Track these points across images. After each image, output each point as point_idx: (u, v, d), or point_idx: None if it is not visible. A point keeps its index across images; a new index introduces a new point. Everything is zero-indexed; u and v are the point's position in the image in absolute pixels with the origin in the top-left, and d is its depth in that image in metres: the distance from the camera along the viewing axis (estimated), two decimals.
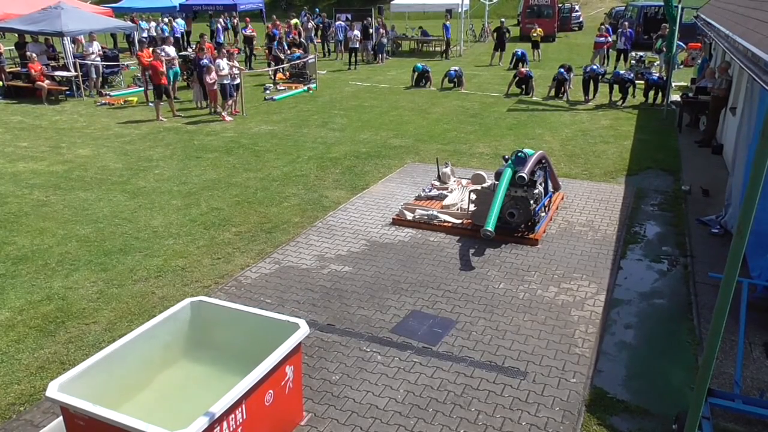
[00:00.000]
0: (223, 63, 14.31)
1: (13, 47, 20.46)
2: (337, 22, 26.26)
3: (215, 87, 14.76)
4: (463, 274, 6.85)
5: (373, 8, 29.29)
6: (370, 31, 24.34)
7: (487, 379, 5.04)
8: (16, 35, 20.27)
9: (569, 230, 7.97)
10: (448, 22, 24.90)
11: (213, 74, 14.67)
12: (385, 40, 25.30)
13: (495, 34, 23.79)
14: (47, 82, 17.05)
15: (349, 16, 27.34)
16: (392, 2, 28.77)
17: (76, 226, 8.28)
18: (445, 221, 8.02)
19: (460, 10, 26.18)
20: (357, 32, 23.24)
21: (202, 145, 12.42)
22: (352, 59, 23.16)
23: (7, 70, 19.11)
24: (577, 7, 36.79)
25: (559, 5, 32.90)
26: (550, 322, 5.86)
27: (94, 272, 6.99)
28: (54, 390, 3.75)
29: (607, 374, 5.12)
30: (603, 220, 8.26)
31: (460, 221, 8.04)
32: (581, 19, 36.18)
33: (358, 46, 23.22)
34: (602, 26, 21.69)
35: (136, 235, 8.01)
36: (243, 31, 24.53)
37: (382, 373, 5.12)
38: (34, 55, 17.13)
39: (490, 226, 7.20)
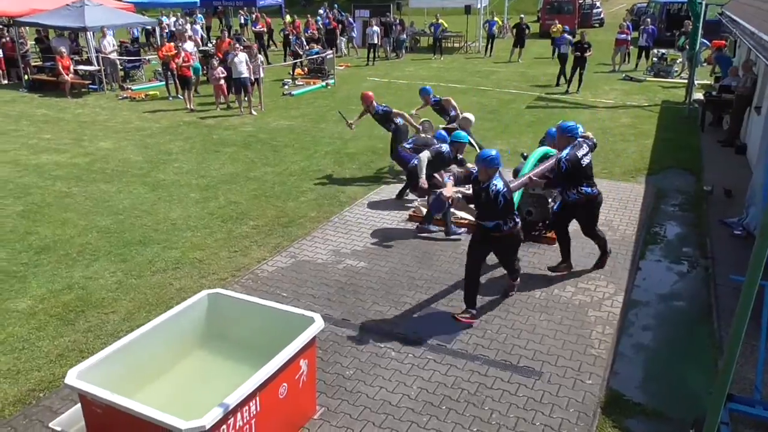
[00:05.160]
0: (242, 57, 14.38)
1: (34, 42, 20.73)
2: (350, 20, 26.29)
3: (222, 82, 14.91)
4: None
5: (392, 4, 29.16)
6: (395, 27, 24.27)
7: (502, 378, 5.01)
8: (35, 30, 20.53)
9: None
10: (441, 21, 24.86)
11: (219, 69, 14.82)
12: (404, 36, 25.24)
13: (514, 31, 23.62)
14: (71, 75, 17.25)
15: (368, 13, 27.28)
16: None
17: (96, 218, 8.39)
18: (461, 218, 7.99)
19: (479, 6, 26.02)
20: (376, 28, 23.20)
21: (220, 139, 12.50)
22: (371, 55, 23.13)
23: (32, 64, 19.42)
24: (598, 3, 36.32)
25: (580, 1, 32.54)
26: (566, 322, 5.82)
27: (113, 263, 7.08)
28: (73, 377, 3.81)
29: (623, 376, 5.07)
30: (622, 220, 8.17)
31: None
32: (602, 16, 35.74)
33: (377, 41, 23.18)
34: (623, 23, 21.40)
35: (155, 227, 8.09)
36: (252, 27, 24.62)
37: (395, 370, 5.12)
38: (62, 49, 17.33)
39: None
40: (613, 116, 14.16)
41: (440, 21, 24.70)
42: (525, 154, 7.95)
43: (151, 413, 3.51)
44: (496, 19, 25.46)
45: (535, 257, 7.16)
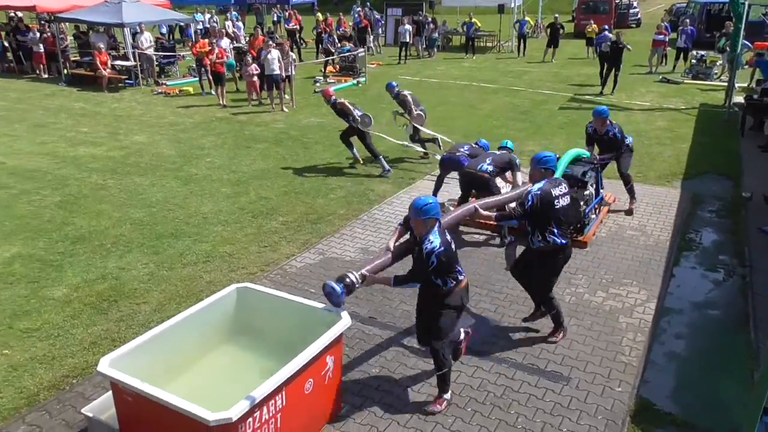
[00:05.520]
0: (275, 54, 14.50)
1: (73, 37, 21.21)
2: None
3: (254, 78, 15.09)
4: (508, 274, 6.74)
5: (424, 3, 29.07)
6: (427, 25, 24.19)
7: (529, 382, 4.96)
8: (75, 26, 21.01)
9: (620, 234, 7.76)
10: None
11: (252, 65, 15.00)
12: (436, 35, 25.15)
13: (548, 30, 23.35)
14: (108, 70, 17.61)
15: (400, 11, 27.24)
16: None
17: (130, 210, 8.54)
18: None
19: (512, 5, 25.78)
20: (408, 26, 23.15)
21: (252, 135, 12.62)
22: (402, 53, 23.09)
23: (71, 58, 19.88)
24: (635, 3, 35.63)
25: (617, 1, 31.99)
26: (596, 327, 5.73)
27: (146, 255, 7.20)
28: (105, 365, 3.89)
29: (654, 385, 4.97)
30: (656, 225, 8.01)
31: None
32: (639, 16, 35.06)
33: (408, 40, 23.13)
34: (661, 23, 20.97)
35: (186, 220, 8.20)
36: (285, 24, 24.77)
37: (421, 369, 5.10)
38: (101, 45, 17.70)
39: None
40: (648, 119, 13.89)
41: (473, 20, 24.52)
42: (557, 156, 7.83)
43: (180, 403, 3.56)
44: (527, 18, 25.16)
45: None
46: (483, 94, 17.12)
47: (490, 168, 7.52)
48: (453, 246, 4.46)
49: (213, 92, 16.33)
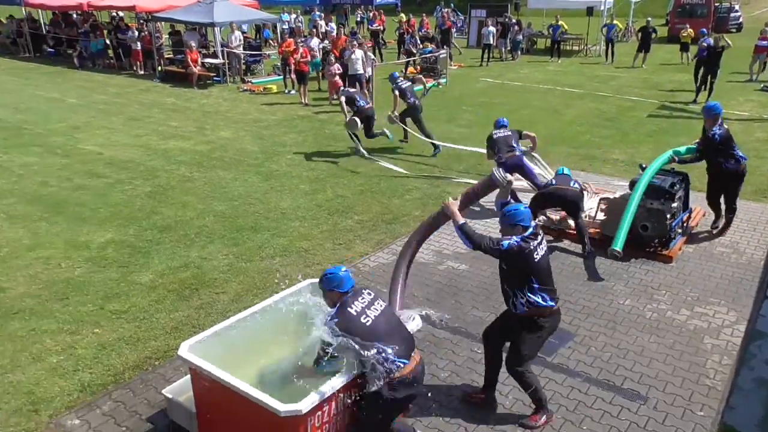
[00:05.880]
0: (359, 54, 14.70)
1: (168, 35, 22.31)
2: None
3: (336, 78, 15.34)
4: (585, 285, 6.55)
5: (509, 4, 28.61)
6: (512, 27, 23.84)
7: (603, 398, 4.78)
8: (170, 25, 22.09)
9: (709, 250, 7.35)
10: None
11: (336, 65, 15.27)
12: (520, 37, 24.69)
13: (639, 34, 22.39)
14: (198, 68, 18.40)
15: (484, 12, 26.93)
16: None
17: (213, 202, 8.89)
18: (571, 228, 7.70)
19: (602, 7, 24.92)
20: (492, 28, 22.86)
21: (332, 134, 12.83)
22: (485, 56, 22.83)
23: (165, 56, 20.92)
24: (736, 7, 33.60)
25: (716, 4, 30.30)
26: (678, 347, 5.45)
27: (226, 246, 7.47)
28: (185, 350, 4.07)
29: (740, 412, 4.68)
30: (750, 243, 7.53)
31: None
32: (741, 20, 33.04)
33: (492, 42, 22.83)
34: (765, 28, 19.68)
35: (266, 215, 8.45)
36: (370, 25, 25.00)
37: None
38: (192, 43, 18.54)
39: (617, 245, 6.79)
40: (746, 130, 13.06)
41: (560, 22, 23.87)
42: (644, 166, 7.52)
43: (253, 392, 3.67)
44: (616, 22, 24.16)
45: (648, 275, 6.76)
46: (567, 98, 16.66)
47: (577, 186, 7.46)
48: (530, 253, 4.29)
49: (295, 91, 16.75)
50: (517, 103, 16.05)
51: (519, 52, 24.59)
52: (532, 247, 4.30)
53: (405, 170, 10.31)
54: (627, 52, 23.79)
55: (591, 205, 8.25)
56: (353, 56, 14.69)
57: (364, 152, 11.18)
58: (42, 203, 8.81)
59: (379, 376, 3.64)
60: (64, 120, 13.89)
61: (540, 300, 4.33)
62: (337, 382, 3.76)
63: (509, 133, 8.64)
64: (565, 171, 7.75)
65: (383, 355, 3.65)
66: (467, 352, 5.37)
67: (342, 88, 11.94)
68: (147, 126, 13.51)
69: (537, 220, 7.84)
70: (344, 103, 11.28)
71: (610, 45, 23.21)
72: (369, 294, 3.97)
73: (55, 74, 20.27)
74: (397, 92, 11.58)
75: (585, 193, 7.90)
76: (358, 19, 30.21)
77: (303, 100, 15.91)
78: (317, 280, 5.14)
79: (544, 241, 4.48)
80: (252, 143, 12.15)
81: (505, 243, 4.30)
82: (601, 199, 7.94)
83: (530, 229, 4.37)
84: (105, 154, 11.33)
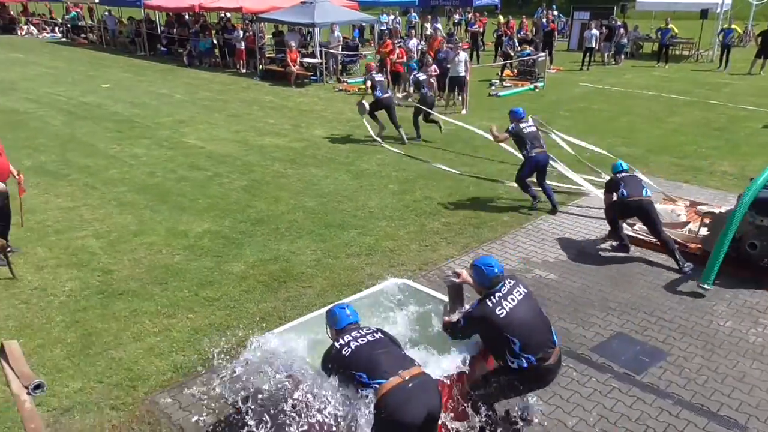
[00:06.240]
0: (462, 56, 14.70)
1: (271, 35, 23.17)
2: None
3: (432, 79, 15.36)
4: (682, 303, 6.18)
5: (615, 6, 27.45)
6: (617, 30, 22.92)
7: (696, 423, 4.49)
8: (273, 25, 22.92)
9: None
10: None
11: (433, 66, 15.28)
12: (625, 41, 23.64)
13: (759, 39, 20.82)
14: (296, 67, 18.98)
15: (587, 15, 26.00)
16: (638, 0, 26.75)
17: (304, 198, 9.13)
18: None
19: (718, 10, 23.39)
20: (595, 31, 22.03)
21: (423, 135, 12.82)
22: (586, 59, 22.03)
23: (267, 55, 21.75)
24: None
25: None
26: None
27: (314, 242, 7.66)
28: (271, 340, 4.19)
29: None
30: None
31: (687, 244, 7.25)
32: None
33: (594, 45, 21.99)
34: None
35: (354, 213, 8.58)
36: (469, 27, 24.77)
37: (575, 391, 4.85)
38: (292, 43, 19.17)
39: (707, 280, 6.26)
40: None
41: (669, 25, 22.62)
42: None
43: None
44: (734, 26, 22.56)
45: (754, 297, 6.28)
46: (672, 106, 15.79)
47: (650, 192, 7.16)
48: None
49: (389, 92, 16.90)
50: (617, 109, 15.39)
51: (623, 56, 23.55)
52: (491, 304, 3.89)
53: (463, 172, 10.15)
54: (743, 57, 22.22)
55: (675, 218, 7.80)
56: (457, 58, 14.69)
57: (379, 139, 12.13)
58: (148, 192, 9.40)
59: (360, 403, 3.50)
60: (171, 115, 14.76)
61: (524, 363, 3.86)
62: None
63: (536, 127, 8.63)
64: (624, 166, 7.49)
65: (359, 381, 3.52)
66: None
67: (371, 73, 12.52)
68: (246, 122, 14.09)
69: (627, 229, 7.50)
70: (368, 87, 12.23)
71: (725, 50, 21.70)
72: (368, 329, 3.84)
73: (167, 72, 21.59)
74: (369, 83, 12.26)
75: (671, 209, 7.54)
76: (456, 20, 30.04)
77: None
78: (402, 280, 5.19)
79: (517, 286, 4.03)
80: (344, 142, 12.38)
81: (462, 319, 4.00)
82: (704, 214, 7.47)
83: (497, 283, 3.97)
84: (206, 148, 11.93)
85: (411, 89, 13.36)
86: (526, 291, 4.05)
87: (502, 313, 3.86)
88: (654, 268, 6.93)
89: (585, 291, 6.45)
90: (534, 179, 8.65)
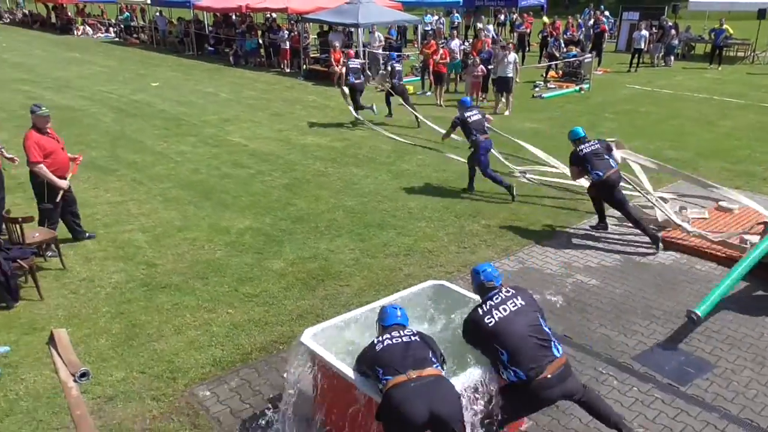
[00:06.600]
0: (512, 57, 14.59)
1: (315, 36, 23.38)
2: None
3: (478, 79, 15.31)
4: (730, 314, 5.96)
5: (667, 6, 26.68)
6: (669, 31, 22.31)
7: None
8: (318, 26, 23.11)
9: None
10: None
11: (479, 67, 15.19)
12: (676, 42, 22.97)
13: None
14: (340, 67, 19.06)
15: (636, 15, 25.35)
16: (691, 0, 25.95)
17: (344, 197, 9.18)
18: (719, 249, 7.04)
19: None
20: (645, 32, 21.47)
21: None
22: (634, 61, 21.49)
23: (311, 55, 21.96)
24: None
25: None
26: None
27: (353, 241, 7.68)
28: (307, 337, 4.23)
29: None
30: None
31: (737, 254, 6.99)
32: None
33: (643, 46, 21.43)
34: None
35: (393, 213, 8.58)
36: (516, 28, 24.47)
37: (616, 400, 4.73)
38: (336, 43, 19.30)
39: (700, 309, 5.54)
40: None
41: (724, 26, 21.85)
42: None
43: (367, 387, 3.74)
44: None
45: None
46: (725, 109, 15.27)
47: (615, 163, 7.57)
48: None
49: (430, 92, 16.87)
50: (665, 112, 14.98)
51: (673, 58, 22.90)
52: (482, 311, 3.91)
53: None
54: None
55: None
56: (506, 59, 14.56)
57: (358, 116, 13.72)
58: (192, 188, 9.60)
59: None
60: (217, 113, 15.04)
61: (513, 376, 3.76)
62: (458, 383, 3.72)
63: (481, 116, 9.28)
64: (582, 133, 7.73)
65: (376, 375, 3.64)
66: (591, 371, 5.09)
67: (350, 60, 14.15)
68: (289, 121, 14.25)
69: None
70: (342, 72, 14.26)
71: None
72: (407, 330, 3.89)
73: (213, 71, 22.02)
74: (343, 69, 14.03)
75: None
76: (501, 20, 29.72)
77: (438, 102, 15.97)
78: (441, 282, 5.16)
79: (515, 297, 3.97)
80: (384, 142, 12.39)
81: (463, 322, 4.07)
82: (760, 223, 7.20)
83: (489, 290, 4.05)
84: (249, 146, 12.11)
85: (387, 77, 14.55)
86: (523, 303, 3.97)
87: (491, 322, 3.84)
88: (701, 276, 6.71)
89: (628, 297, 6.29)
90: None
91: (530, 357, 3.75)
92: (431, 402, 3.45)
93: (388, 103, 14.23)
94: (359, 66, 14.39)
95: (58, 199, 7.09)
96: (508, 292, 4.03)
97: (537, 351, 3.78)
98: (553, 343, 3.89)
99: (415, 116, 13.42)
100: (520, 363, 3.73)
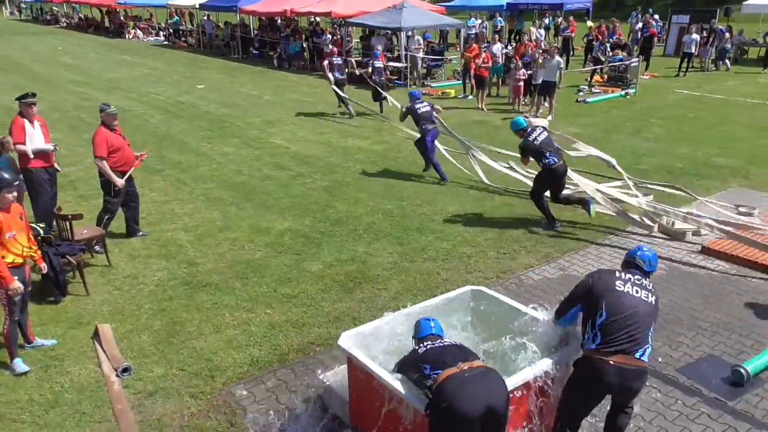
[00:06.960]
0: (555, 62, 14.43)
1: (358, 39, 23.50)
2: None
3: (520, 83, 15.13)
4: None
5: (718, 9, 25.84)
6: (723, 35, 21.61)
7: None
8: (362, 29, 23.24)
9: None
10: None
11: (522, 70, 15.04)
12: (728, 46, 22.23)
13: None
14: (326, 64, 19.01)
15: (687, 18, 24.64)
16: (744, 2, 25.06)
17: (383, 201, 9.18)
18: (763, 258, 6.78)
19: None
20: (695, 36, 20.85)
21: (506, 140, 12.55)
22: (683, 65, 20.89)
23: (353, 59, 22.07)
24: None
25: None
26: None
27: (391, 244, 7.67)
28: (345, 340, 4.23)
29: None
30: None
31: None
32: None
33: (693, 51, 20.81)
34: None
35: (432, 217, 8.53)
36: (562, 32, 24.08)
37: (659, 413, 4.59)
38: (379, 47, 19.35)
39: (749, 366, 4.97)
40: None
41: None
42: None
43: (403, 389, 3.72)
44: None
45: None
46: None
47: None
48: None
49: (472, 96, 16.75)
50: (715, 117, 14.51)
51: (726, 62, 22.15)
52: (617, 275, 4.09)
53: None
54: None
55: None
56: (551, 63, 14.39)
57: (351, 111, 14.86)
58: (235, 189, 9.75)
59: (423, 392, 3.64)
60: (260, 115, 15.27)
61: (590, 342, 3.88)
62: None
63: (430, 107, 10.25)
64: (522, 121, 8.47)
65: (423, 373, 3.61)
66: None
67: (334, 57, 15.50)
68: (331, 125, 14.35)
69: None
70: (327, 68, 15.16)
71: None
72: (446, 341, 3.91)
73: (257, 74, 22.36)
74: (326, 64, 15.07)
75: None
76: (546, 24, 29.28)
77: (479, 105, 15.85)
78: (479, 287, 5.10)
79: (650, 294, 3.99)
80: None
81: None
82: None
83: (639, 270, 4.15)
84: (291, 148, 12.24)
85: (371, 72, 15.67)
86: (653, 304, 3.96)
87: (620, 288, 3.92)
88: (751, 287, 6.46)
89: (673, 308, 6.10)
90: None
91: (619, 336, 3.74)
92: (488, 393, 3.42)
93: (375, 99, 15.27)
94: (342, 62, 15.86)
95: (118, 190, 7.39)
96: (650, 286, 4.04)
97: (628, 338, 3.76)
98: (645, 347, 3.83)
99: (345, 102, 15.04)
100: (608, 333, 3.76)
